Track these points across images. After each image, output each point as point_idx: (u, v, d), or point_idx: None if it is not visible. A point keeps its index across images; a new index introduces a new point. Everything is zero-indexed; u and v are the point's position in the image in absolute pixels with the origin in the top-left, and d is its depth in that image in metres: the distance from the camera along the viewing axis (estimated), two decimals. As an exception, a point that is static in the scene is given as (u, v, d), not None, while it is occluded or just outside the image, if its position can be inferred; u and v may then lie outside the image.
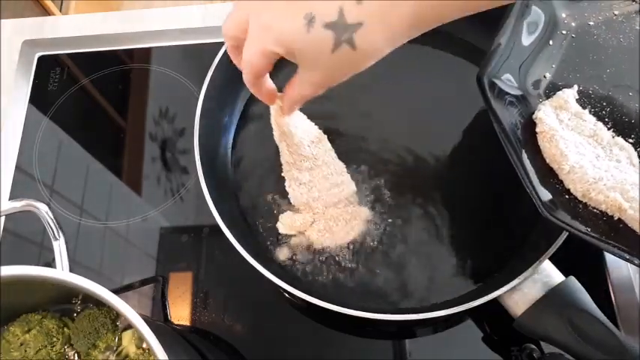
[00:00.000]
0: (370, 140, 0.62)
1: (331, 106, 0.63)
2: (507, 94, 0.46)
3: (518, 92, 0.47)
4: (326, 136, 0.60)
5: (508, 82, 0.46)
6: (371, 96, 0.64)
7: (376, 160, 0.61)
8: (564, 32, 0.48)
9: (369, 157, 0.61)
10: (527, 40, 0.47)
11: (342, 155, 0.60)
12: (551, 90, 0.48)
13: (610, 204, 0.42)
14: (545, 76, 0.48)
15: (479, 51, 0.62)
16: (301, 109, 0.52)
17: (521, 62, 0.48)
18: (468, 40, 0.65)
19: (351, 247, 0.57)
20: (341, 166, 0.59)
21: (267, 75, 0.45)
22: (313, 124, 0.59)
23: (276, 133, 0.57)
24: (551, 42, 0.48)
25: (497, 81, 0.45)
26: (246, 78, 0.43)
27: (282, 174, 0.60)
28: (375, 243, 0.57)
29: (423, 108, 0.64)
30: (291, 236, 0.58)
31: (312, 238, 0.57)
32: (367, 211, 0.58)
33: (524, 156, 0.44)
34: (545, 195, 0.43)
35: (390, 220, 0.58)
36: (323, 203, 0.58)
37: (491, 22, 0.45)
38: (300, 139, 0.56)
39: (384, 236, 0.58)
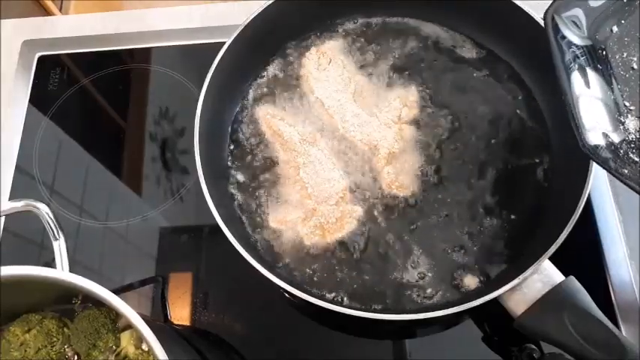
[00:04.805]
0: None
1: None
2: (570, 41, 0.46)
3: (582, 41, 0.47)
4: (323, 137, 0.62)
5: (575, 29, 0.47)
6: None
7: (372, 159, 0.61)
8: None
9: (362, 154, 0.62)
10: None
11: (337, 153, 0.61)
12: (616, 44, 0.48)
13: None
14: (612, 30, 0.48)
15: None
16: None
17: (592, 12, 0.47)
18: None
19: (342, 245, 0.57)
20: (333, 162, 0.60)
21: None
22: (307, 126, 0.63)
23: (268, 134, 0.63)
24: None
25: (562, 25, 0.46)
26: None
27: (278, 172, 0.61)
28: (367, 242, 0.57)
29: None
30: (282, 232, 0.58)
31: (301, 233, 0.58)
32: (360, 210, 0.58)
33: (578, 98, 0.44)
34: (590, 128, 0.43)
35: (383, 220, 0.58)
36: (315, 199, 0.58)
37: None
38: (289, 136, 0.61)
39: (376, 236, 0.58)
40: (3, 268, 0.43)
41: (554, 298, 0.47)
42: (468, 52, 0.66)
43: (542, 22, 0.57)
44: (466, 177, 0.60)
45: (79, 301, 0.50)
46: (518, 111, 0.63)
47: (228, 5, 0.82)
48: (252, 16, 0.62)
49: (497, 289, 0.48)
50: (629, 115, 0.45)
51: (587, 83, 0.46)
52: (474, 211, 0.58)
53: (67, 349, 0.49)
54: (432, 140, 0.62)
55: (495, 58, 0.66)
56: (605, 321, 0.46)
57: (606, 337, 0.45)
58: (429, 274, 0.56)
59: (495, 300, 0.49)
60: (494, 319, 0.57)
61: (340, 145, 0.62)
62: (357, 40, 0.69)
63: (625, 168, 0.42)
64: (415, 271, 0.56)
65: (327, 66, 0.66)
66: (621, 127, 0.45)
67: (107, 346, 0.48)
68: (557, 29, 0.46)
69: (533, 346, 0.55)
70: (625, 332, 0.56)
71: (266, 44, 0.66)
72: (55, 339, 0.49)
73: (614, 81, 0.46)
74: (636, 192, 0.40)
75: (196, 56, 0.78)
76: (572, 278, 0.49)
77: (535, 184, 0.59)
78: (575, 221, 0.49)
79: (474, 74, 0.65)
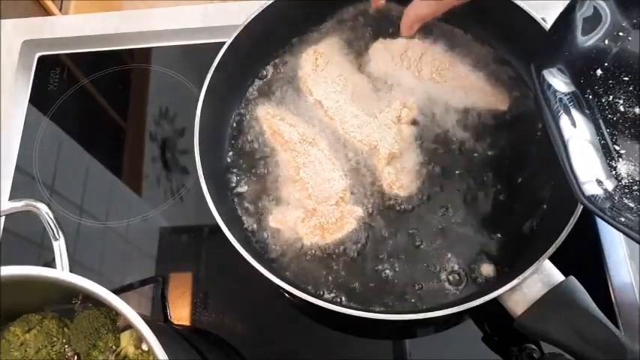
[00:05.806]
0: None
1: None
2: (556, 89, 0.46)
3: (568, 88, 0.47)
4: (323, 137, 0.62)
5: (561, 76, 0.46)
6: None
7: (372, 160, 0.61)
8: (621, 34, 0.48)
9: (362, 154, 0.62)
10: (583, 36, 0.47)
11: (337, 153, 0.61)
12: (601, 87, 0.48)
13: None
14: (596, 73, 0.48)
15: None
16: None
17: (576, 57, 0.47)
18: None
19: (342, 245, 0.57)
20: (333, 163, 0.60)
21: None
22: (307, 126, 0.63)
23: (268, 134, 0.63)
24: (606, 41, 0.48)
25: (547, 74, 0.46)
26: None
27: (278, 172, 0.61)
28: (367, 243, 0.57)
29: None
30: (282, 232, 0.58)
31: (301, 233, 0.58)
32: (359, 210, 0.58)
33: (570, 147, 0.44)
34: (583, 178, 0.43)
35: (383, 221, 0.58)
36: (315, 199, 0.58)
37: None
38: (289, 136, 0.61)
39: (376, 236, 0.58)
40: (3, 268, 0.43)
41: (554, 298, 0.47)
42: (470, 52, 0.66)
43: (542, 23, 0.58)
44: (466, 176, 0.60)
45: (79, 301, 0.50)
46: (518, 111, 0.63)
47: (228, 5, 0.82)
48: (252, 16, 0.62)
49: (498, 289, 0.48)
50: (620, 159, 0.45)
51: (575, 129, 0.45)
52: (474, 211, 0.58)
53: (67, 349, 0.49)
54: (431, 140, 0.62)
55: (499, 57, 0.66)
56: (605, 321, 0.46)
57: (606, 337, 0.45)
58: (429, 274, 0.56)
59: (495, 300, 0.49)
60: (494, 319, 0.57)
61: (340, 146, 0.62)
62: (356, 40, 0.68)
63: (622, 216, 0.41)
64: (415, 271, 0.56)
65: (326, 67, 0.66)
66: (613, 172, 0.45)
67: (107, 346, 0.48)
68: (543, 78, 0.46)
69: (533, 346, 0.55)
70: (625, 332, 0.56)
71: (266, 44, 0.66)
72: (55, 339, 0.49)
73: (602, 125, 0.46)
74: (635, 241, 0.40)
75: (196, 56, 0.78)
76: (572, 278, 0.49)
77: (535, 184, 0.59)
78: (575, 221, 0.49)
79: (475, 74, 0.65)
